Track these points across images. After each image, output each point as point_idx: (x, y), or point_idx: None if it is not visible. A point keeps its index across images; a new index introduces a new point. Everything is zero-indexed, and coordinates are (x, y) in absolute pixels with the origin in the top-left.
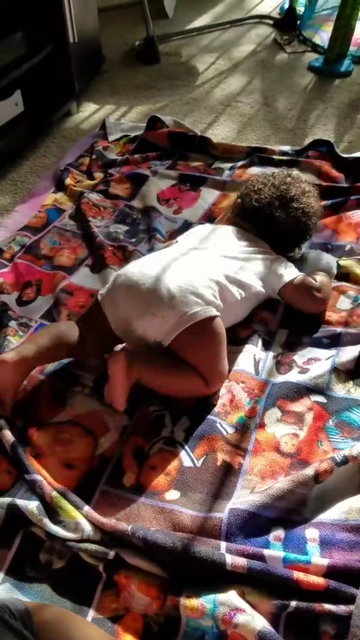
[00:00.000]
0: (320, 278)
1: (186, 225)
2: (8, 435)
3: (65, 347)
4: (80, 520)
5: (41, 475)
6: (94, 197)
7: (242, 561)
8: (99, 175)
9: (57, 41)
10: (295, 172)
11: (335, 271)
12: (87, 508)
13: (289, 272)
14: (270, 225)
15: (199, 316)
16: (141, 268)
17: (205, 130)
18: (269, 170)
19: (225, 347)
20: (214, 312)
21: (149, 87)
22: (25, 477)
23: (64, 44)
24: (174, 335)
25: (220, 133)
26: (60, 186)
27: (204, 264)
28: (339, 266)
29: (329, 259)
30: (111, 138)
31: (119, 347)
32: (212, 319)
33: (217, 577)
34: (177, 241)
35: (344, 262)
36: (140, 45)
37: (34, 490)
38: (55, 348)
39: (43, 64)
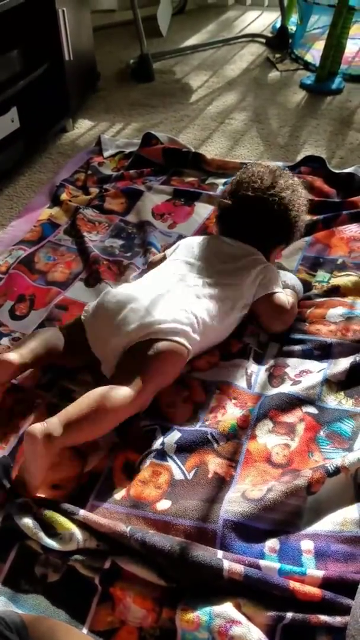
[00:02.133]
0: (291, 299)
1: (180, 240)
2: None
3: (53, 353)
4: (75, 530)
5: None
6: (89, 212)
7: (239, 567)
8: (94, 190)
9: (52, 59)
10: (279, 168)
11: (302, 291)
12: (82, 512)
13: (272, 286)
14: (242, 217)
15: (166, 335)
16: (125, 291)
17: (199, 147)
18: None
19: (165, 381)
20: (183, 342)
21: (143, 104)
22: (15, 500)
23: (59, 61)
24: (136, 341)
25: (214, 149)
26: (55, 201)
27: (185, 296)
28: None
29: (294, 279)
30: (106, 154)
31: (34, 427)
32: (175, 348)
33: (212, 589)
34: (164, 255)
35: (336, 277)
36: (134, 63)
37: (26, 509)
38: (46, 355)
39: (39, 81)
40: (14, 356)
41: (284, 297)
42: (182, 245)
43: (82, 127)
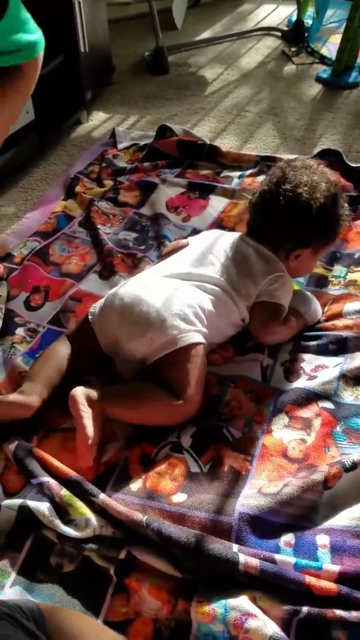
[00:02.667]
0: (293, 320)
1: (194, 234)
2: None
3: (64, 373)
4: (90, 516)
5: (52, 468)
6: (103, 205)
7: (254, 561)
8: (108, 182)
9: (68, 51)
10: (313, 162)
11: (313, 321)
12: (102, 496)
13: (275, 295)
14: (257, 216)
15: (185, 341)
16: (133, 290)
17: (214, 139)
18: None
19: (203, 374)
20: (199, 339)
21: (158, 97)
22: (31, 481)
23: (75, 54)
24: (160, 356)
25: (229, 142)
26: (70, 194)
27: (194, 290)
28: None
29: (311, 307)
30: (120, 146)
31: (77, 389)
32: (195, 344)
33: (228, 582)
34: (188, 243)
35: (353, 271)
36: (149, 56)
37: (43, 492)
38: (61, 378)
39: (54, 74)
40: (33, 399)
41: (281, 312)
42: (203, 238)
43: (97, 120)
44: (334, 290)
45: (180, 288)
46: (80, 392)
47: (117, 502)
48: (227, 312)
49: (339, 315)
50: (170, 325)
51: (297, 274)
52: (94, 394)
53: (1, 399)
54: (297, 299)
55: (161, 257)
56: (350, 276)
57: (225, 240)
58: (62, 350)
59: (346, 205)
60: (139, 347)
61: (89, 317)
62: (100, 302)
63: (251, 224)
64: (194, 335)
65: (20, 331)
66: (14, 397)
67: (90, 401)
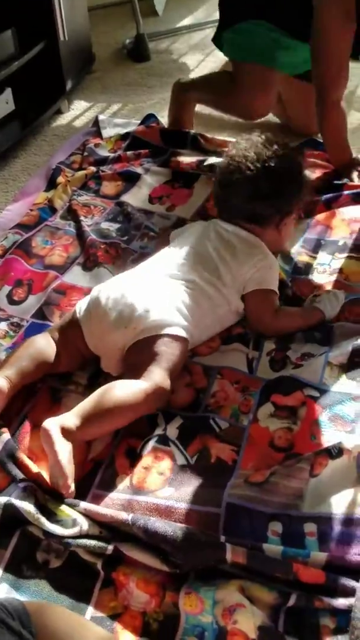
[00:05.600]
0: (296, 310)
1: (179, 222)
2: None
3: (44, 366)
4: (76, 516)
5: (35, 478)
6: (84, 198)
7: (242, 551)
8: (91, 169)
9: (47, 39)
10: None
11: (325, 317)
12: (83, 504)
13: (262, 281)
14: (230, 199)
15: (166, 330)
16: (118, 287)
17: (197, 126)
18: None
19: (177, 367)
20: (180, 332)
21: (140, 84)
22: (17, 484)
23: (54, 42)
24: (139, 339)
25: (212, 130)
26: (52, 185)
27: (178, 286)
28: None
29: (329, 306)
30: (105, 134)
31: (49, 422)
32: (176, 337)
33: (216, 572)
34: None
35: (338, 259)
36: (130, 43)
37: (28, 493)
38: (36, 369)
39: (33, 62)
40: (1, 383)
41: (274, 297)
42: (183, 233)
43: (78, 109)
44: (319, 278)
45: (165, 285)
46: (53, 426)
47: (104, 501)
48: (214, 306)
49: None
50: (154, 315)
51: (285, 242)
52: (70, 423)
53: None
54: (324, 301)
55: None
56: (335, 263)
57: (202, 231)
58: (40, 341)
59: None
60: (122, 337)
61: (77, 314)
62: (86, 300)
63: (226, 207)
64: (177, 329)
65: (3, 325)
66: None
67: (66, 433)
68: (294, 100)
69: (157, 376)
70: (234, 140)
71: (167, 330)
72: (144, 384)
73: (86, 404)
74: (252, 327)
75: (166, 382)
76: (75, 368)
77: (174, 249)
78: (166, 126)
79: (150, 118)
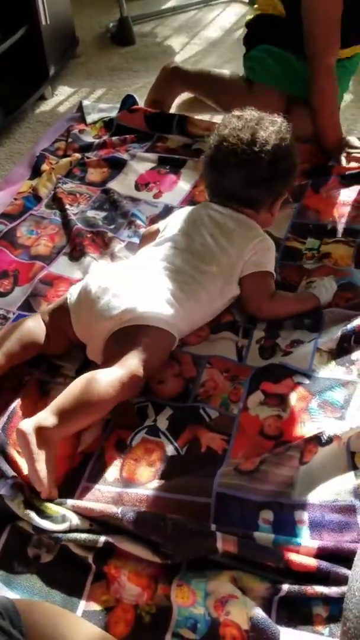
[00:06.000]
0: (292, 295)
1: (167, 210)
2: None
3: (31, 348)
4: (65, 512)
5: (22, 478)
6: (69, 186)
7: (233, 540)
8: (75, 156)
9: (28, 25)
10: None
11: (320, 303)
12: (70, 502)
13: (261, 264)
14: (226, 182)
15: (150, 321)
16: (109, 278)
17: (183, 111)
18: None
19: (155, 358)
20: (165, 326)
21: (124, 69)
22: (6, 479)
23: (36, 27)
24: (122, 326)
25: (199, 114)
26: (36, 173)
27: (170, 281)
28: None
29: (323, 293)
30: (89, 119)
31: (25, 424)
32: (160, 330)
33: (207, 564)
34: (158, 228)
35: (327, 243)
36: (114, 26)
37: (17, 488)
38: (23, 351)
39: (15, 49)
40: None
41: (271, 280)
42: (173, 219)
43: (62, 94)
44: (308, 264)
45: (157, 277)
46: (29, 428)
47: (93, 494)
48: (209, 299)
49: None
50: (140, 307)
51: (273, 222)
52: (47, 422)
53: None
54: (318, 286)
55: (139, 245)
56: (324, 248)
57: (195, 217)
58: (29, 323)
59: None
60: (107, 327)
61: (67, 301)
62: (78, 287)
63: (219, 190)
64: (162, 321)
65: None
66: None
67: (43, 433)
68: None
69: (132, 364)
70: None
71: (151, 322)
72: (119, 372)
73: (62, 400)
74: (247, 311)
75: (140, 371)
76: (64, 352)
77: (168, 237)
78: (143, 105)
79: (128, 99)
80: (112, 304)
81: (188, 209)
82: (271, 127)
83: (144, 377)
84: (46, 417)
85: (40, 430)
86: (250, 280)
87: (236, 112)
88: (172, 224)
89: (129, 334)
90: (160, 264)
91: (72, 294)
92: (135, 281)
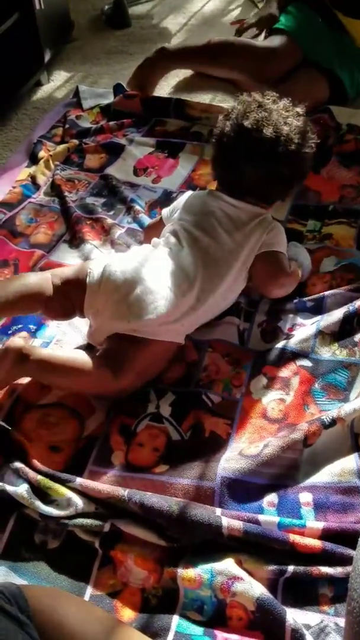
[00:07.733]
0: (295, 268)
1: (166, 195)
2: None
3: (29, 305)
4: (71, 495)
5: (28, 461)
6: (67, 172)
7: (238, 524)
8: (73, 142)
9: (22, 9)
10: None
11: (308, 271)
12: (79, 480)
13: (275, 245)
14: (247, 176)
15: (156, 336)
16: (128, 272)
17: (181, 93)
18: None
19: (152, 368)
20: (171, 338)
21: (120, 52)
22: (8, 465)
23: (30, 11)
24: (131, 331)
25: (197, 96)
26: (34, 160)
27: (186, 275)
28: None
29: (306, 258)
30: (86, 105)
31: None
32: (164, 342)
33: (213, 546)
34: (160, 217)
35: (328, 225)
36: (109, 9)
37: (19, 475)
38: (20, 305)
39: (9, 34)
40: None
41: (286, 260)
42: (180, 208)
43: (58, 80)
44: (309, 245)
45: (178, 274)
46: (14, 347)
47: (99, 477)
48: (223, 302)
49: (316, 274)
50: (153, 320)
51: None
52: (34, 353)
53: None
54: (293, 248)
55: (145, 237)
56: (325, 230)
57: (205, 208)
58: (32, 278)
59: None
60: (118, 327)
61: (87, 278)
62: (100, 268)
63: (236, 184)
64: (174, 335)
65: None
66: None
67: (21, 355)
68: None
69: (125, 380)
70: (222, 106)
71: (164, 338)
72: (112, 382)
73: (56, 355)
74: (259, 290)
75: (132, 381)
76: (62, 319)
77: (179, 230)
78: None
79: (118, 89)
80: (135, 306)
81: (196, 196)
82: (295, 122)
83: (140, 384)
84: (36, 350)
85: (22, 350)
86: (266, 259)
87: (256, 97)
88: (182, 215)
89: (139, 341)
90: (178, 267)
91: (93, 272)
92: (157, 280)
